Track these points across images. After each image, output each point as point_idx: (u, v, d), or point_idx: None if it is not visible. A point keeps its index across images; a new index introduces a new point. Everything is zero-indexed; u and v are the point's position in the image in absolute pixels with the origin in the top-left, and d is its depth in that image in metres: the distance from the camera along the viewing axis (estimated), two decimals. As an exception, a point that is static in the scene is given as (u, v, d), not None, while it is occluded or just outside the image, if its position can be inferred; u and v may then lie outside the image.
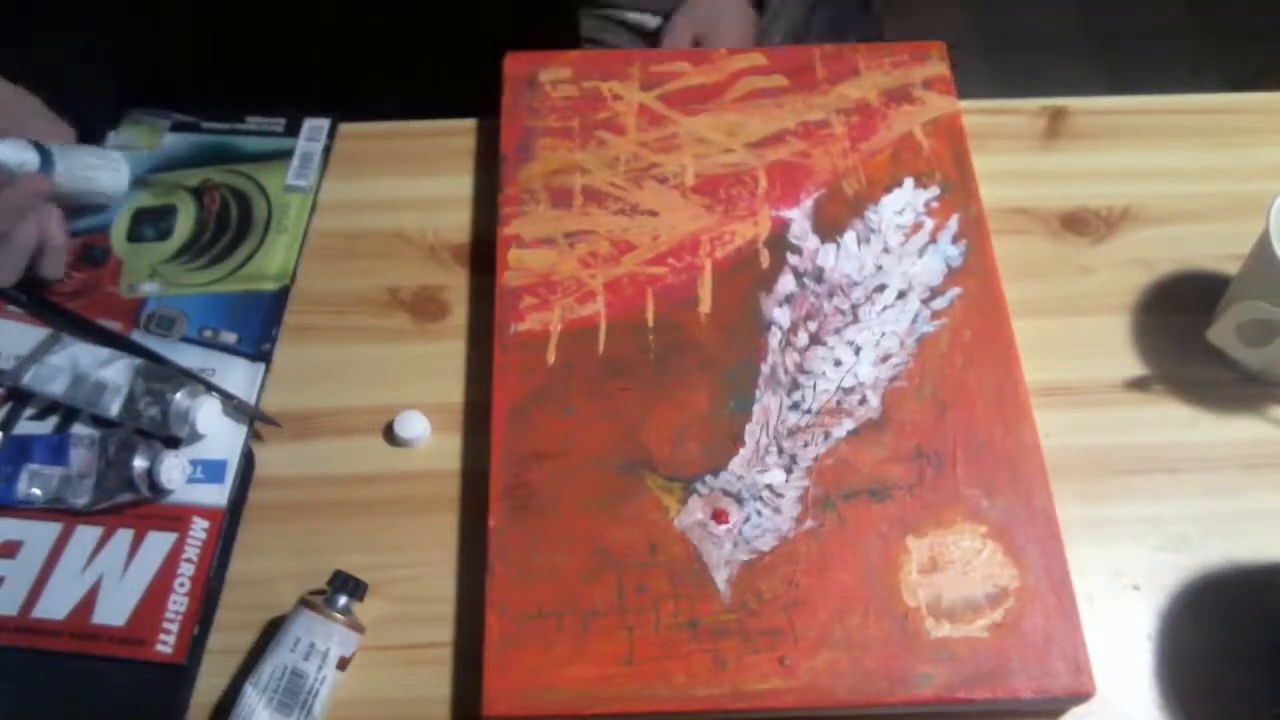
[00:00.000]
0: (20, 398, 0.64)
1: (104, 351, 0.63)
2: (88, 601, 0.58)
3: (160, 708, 0.56)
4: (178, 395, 0.61)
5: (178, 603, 0.58)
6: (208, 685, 0.57)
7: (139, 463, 0.59)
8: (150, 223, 0.71)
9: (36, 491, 0.60)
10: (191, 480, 0.62)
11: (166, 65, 0.77)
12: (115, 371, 0.62)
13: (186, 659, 0.57)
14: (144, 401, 0.60)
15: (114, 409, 0.61)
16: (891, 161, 0.71)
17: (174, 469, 0.60)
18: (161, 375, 0.62)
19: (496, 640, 0.55)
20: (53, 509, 0.60)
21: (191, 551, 0.60)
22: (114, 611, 0.58)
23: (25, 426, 0.63)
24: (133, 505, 0.60)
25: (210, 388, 0.64)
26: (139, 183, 0.73)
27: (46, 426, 0.63)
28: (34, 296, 0.67)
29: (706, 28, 0.92)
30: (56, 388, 0.62)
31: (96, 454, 0.60)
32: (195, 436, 0.62)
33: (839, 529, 0.58)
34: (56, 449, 0.61)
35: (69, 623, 0.58)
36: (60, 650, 0.57)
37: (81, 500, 0.60)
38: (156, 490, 0.60)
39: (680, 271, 0.67)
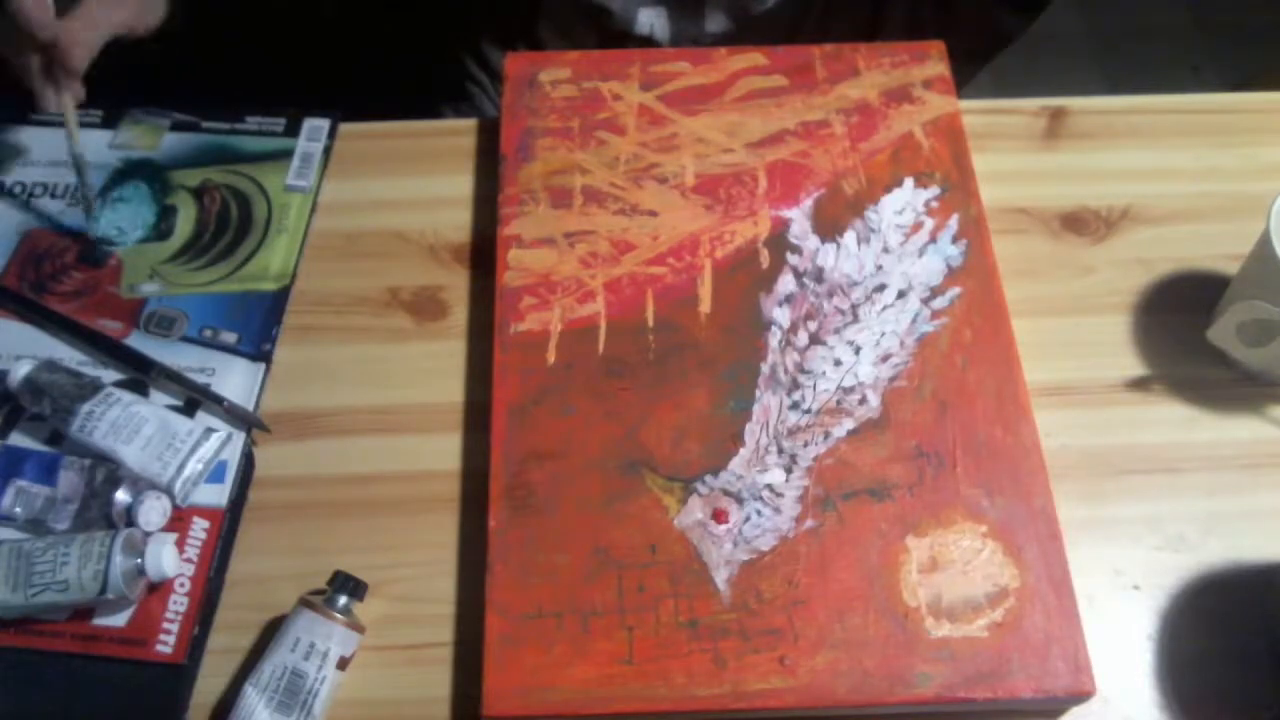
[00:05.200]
0: (17, 405, 0.63)
1: (47, 455, 0.62)
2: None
3: (160, 708, 0.56)
4: (118, 494, 0.59)
5: (178, 603, 0.58)
6: (208, 685, 0.57)
7: (121, 497, 0.59)
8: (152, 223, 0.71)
9: (19, 510, 0.60)
10: (192, 480, 0.62)
11: (163, 63, 0.77)
12: (65, 481, 0.60)
13: (186, 659, 0.57)
14: (93, 505, 0.59)
15: (65, 523, 0.59)
16: (891, 161, 0.71)
17: (153, 511, 0.59)
18: (106, 473, 0.60)
19: (496, 640, 0.55)
20: (30, 530, 0.60)
21: (191, 551, 0.60)
22: (115, 612, 0.58)
23: (23, 428, 0.63)
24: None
25: (205, 396, 0.63)
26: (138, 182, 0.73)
27: (44, 431, 0.63)
28: (28, 301, 0.67)
29: None
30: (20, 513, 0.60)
31: (84, 480, 0.60)
32: (141, 531, 0.59)
33: (839, 529, 0.58)
34: (48, 468, 0.61)
35: (70, 623, 0.58)
36: (61, 650, 0.57)
37: (61, 525, 0.59)
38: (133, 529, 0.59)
39: (680, 271, 0.67)
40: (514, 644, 0.55)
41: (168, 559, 0.57)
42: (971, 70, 0.88)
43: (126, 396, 0.62)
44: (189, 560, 0.59)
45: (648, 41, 0.86)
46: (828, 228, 0.68)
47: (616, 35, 0.86)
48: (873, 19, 0.89)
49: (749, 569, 0.57)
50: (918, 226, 0.68)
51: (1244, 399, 0.66)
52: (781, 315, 0.65)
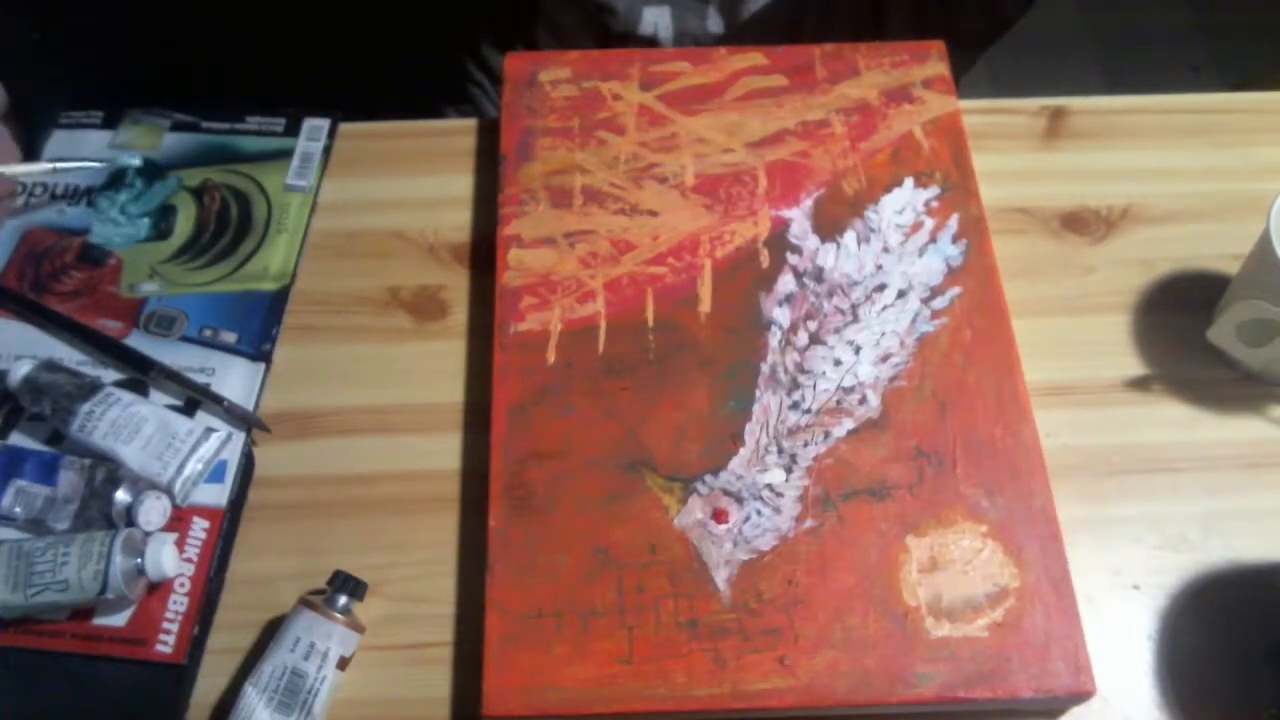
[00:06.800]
0: (17, 405, 0.63)
1: (47, 455, 0.62)
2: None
3: (160, 708, 0.56)
4: (118, 493, 0.59)
5: (178, 603, 0.58)
6: (208, 685, 0.57)
7: (121, 496, 0.59)
8: (150, 223, 0.71)
9: (19, 510, 0.59)
10: (191, 480, 0.62)
11: (163, 63, 0.77)
12: (65, 481, 0.60)
13: (186, 659, 0.57)
14: (93, 505, 0.59)
15: (65, 523, 0.59)
16: (891, 161, 0.71)
17: (154, 511, 0.59)
18: (107, 472, 0.60)
19: (496, 640, 0.55)
20: (30, 530, 0.60)
21: (191, 551, 0.60)
22: (115, 612, 0.58)
23: (23, 428, 0.63)
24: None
25: (205, 396, 0.63)
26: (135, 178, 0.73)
27: (44, 431, 0.63)
28: (28, 301, 0.67)
29: None
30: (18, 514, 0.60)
31: (84, 480, 0.60)
32: (141, 531, 0.59)
33: (839, 528, 0.58)
34: (48, 467, 0.61)
35: (70, 623, 0.58)
36: (61, 650, 0.57)
37: (61, 525, 0.59)
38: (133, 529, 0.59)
39: (680, 271, 0.67)
40: (514, 644, 0.55)
41: (168, 559, 0.57)
42: (971, 57, 0.88)
43: (126, 396, 0.62)
44: (189, 560, 0.59)
45: (649, 42, 0.86)
46: (828, 227, 0.68)
47: (618, 36, 0.86)
48: (875, 3, 0.88)
49: (749, 569, 0.57)
50: (918, 226, 0.68)
51: (1244, 399, 0.66)
52: (781, 315, 0.65)
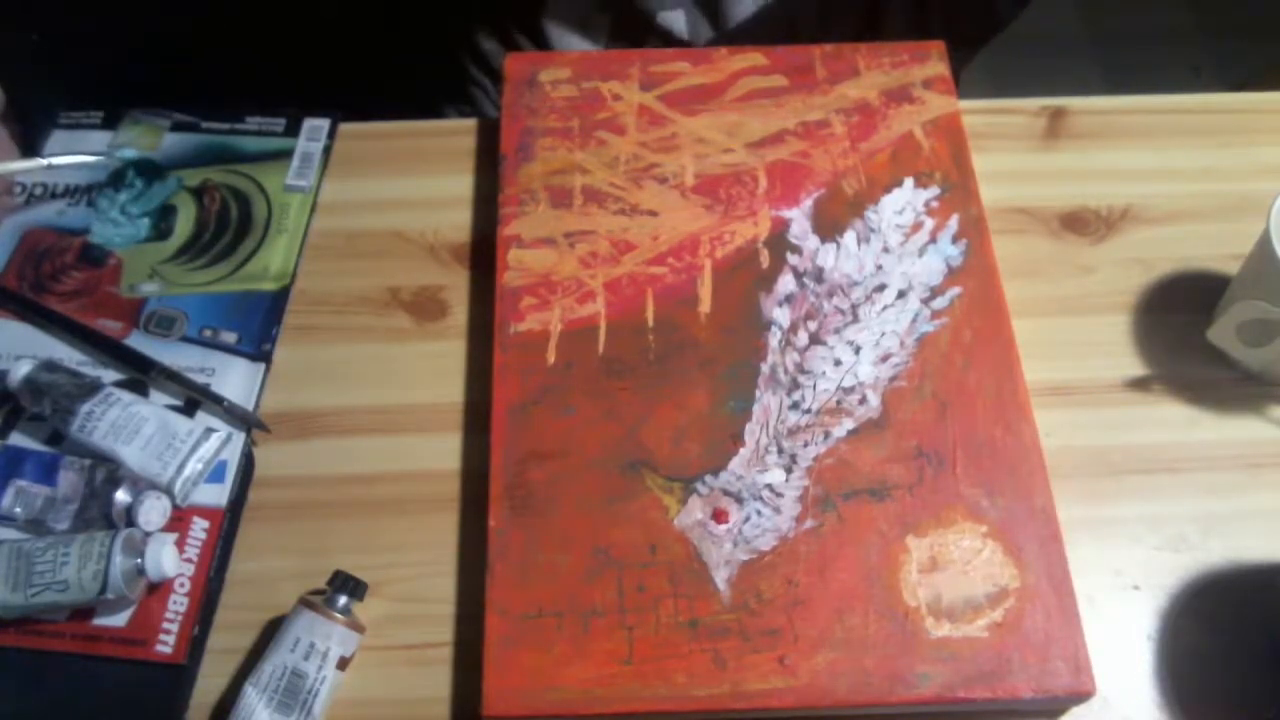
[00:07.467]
0: (17, 405, 0.63)
1: (47, 455, 0.62)
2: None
3: (160, 708, 0.56)
4: (118, 493, 0.59)
5: (178, 603, 0.58)
6: (208, 685, 0.57)
7: (121, 496, 0.59)
8: (150, 223, 0.71)
9: (19, 510, 0.59)
10: (191, 480, 0.62)
11: (163, 63, 0.77)
12: (65, 481, 0.60)
13: (186, 659, 0.57)
14: (93, 505, 0.59)
15: (65, 523, 0.59)
16: (891, 161, 0.71)
17: (154, 511, 0.59)
18: (107, 473, 0.60)
19: (496, 640, 0.55)
20: (30, 530, 0.59)
21: (191, 551, 0.60)
22: (115, 612, 0.58)
23: (23, 428, 0.63)
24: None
25: (205, 396, 0.63)
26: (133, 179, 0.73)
27: (44, 431, 0.63)
28: (28, 301, 0.67)
29: None
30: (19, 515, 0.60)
31: (84, 480, 0.60)
32: (141, 531, 0.59)
33: (839, 529, 0.58)
34: (48, 468, 0.61)
35: (70, 623, 0.58)
36: (61, 650, 0.57)
37: (61, 526, 0.59)
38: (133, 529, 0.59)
39: (680, 271, 0.67)
40: (514, 644, 0.55)
41: (168, 559, 0.57)
42: (966, 56, 0.88)
43: (126, 396, 0.62)
44: (189, 560, 0.59)
45: (665, 36, 0.85)
46: (828, 228, 0.68)
47: (638, 24, 0.84)
48: (872, 4, 0.89)
49: (749, 569, 0.57)
50: (918, 226, 0.68)
51: (1244, 399, 0.66)
52: (781, 315, 0.65)
